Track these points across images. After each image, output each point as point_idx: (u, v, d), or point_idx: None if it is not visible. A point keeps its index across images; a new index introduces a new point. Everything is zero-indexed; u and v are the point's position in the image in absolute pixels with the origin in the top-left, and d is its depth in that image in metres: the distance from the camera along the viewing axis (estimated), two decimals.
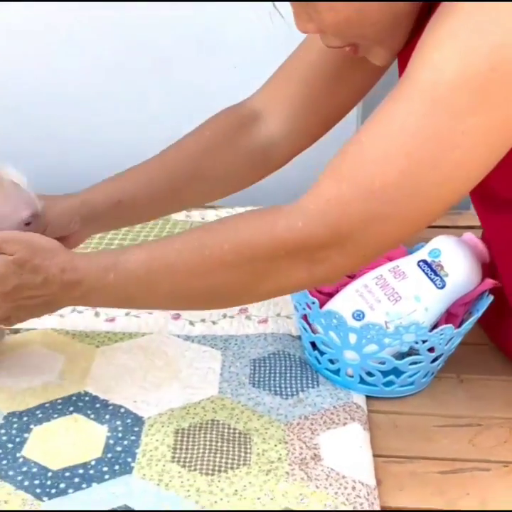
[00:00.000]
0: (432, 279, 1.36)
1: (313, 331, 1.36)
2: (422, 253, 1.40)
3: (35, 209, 1.24)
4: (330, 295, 1.42)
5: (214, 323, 1.58)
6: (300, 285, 1.16)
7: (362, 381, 1.34)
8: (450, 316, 1.39)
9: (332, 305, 1.37)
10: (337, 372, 1.36)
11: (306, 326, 1.37)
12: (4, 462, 1.18)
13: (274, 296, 1.20)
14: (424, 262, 1.38)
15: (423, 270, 1.37)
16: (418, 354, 1.29)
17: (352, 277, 1.45)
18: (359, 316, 1.33)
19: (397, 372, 1.31)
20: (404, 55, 1.15)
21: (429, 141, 1.00)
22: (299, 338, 1.50)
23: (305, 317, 1.37)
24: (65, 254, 1.16)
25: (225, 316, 1.60)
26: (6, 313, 1.18)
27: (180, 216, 2.08)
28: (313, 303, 1.31)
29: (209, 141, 1.42)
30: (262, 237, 1.07)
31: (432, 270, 1.37)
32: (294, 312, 1.53)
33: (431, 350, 1.29)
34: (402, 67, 1.13)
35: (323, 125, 1.42)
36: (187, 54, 2.16)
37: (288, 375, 1.40)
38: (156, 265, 1.11)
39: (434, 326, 1.32)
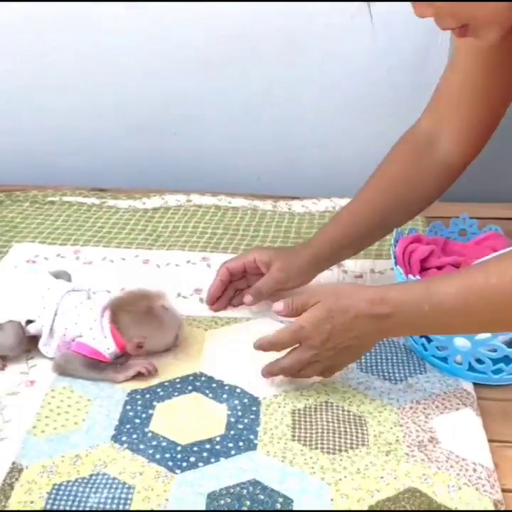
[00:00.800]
0: None
1: None
2: None
3: (179, 325, 1.45)
4: None
5: None
6: None
7: (470, 368, 1.37)
8: None
9: None
10: (444, 359, 1.39)
11: None
12: (134, 436, 1.24)
13: None
14: None
15: None
16: None
17: (458, 267, 1.48)
18: None
19: (506, 360, 1.34)
20: None
21: None
22: None
23: None
24: (368, 289, 1.27)
25: None
26: (325, 363, 1.29)
27: (267, 206, 2.13)
28: None
29: (401, 173, 1.55)
30: None
31: None
32: None
33: None
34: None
35: (488, 129, 1.52)
36: (274, 49, 2.21)
37: (395, 361, 1.43)
38: (474, 299, 1.16)
39: None
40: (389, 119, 2.22)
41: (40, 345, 1.42)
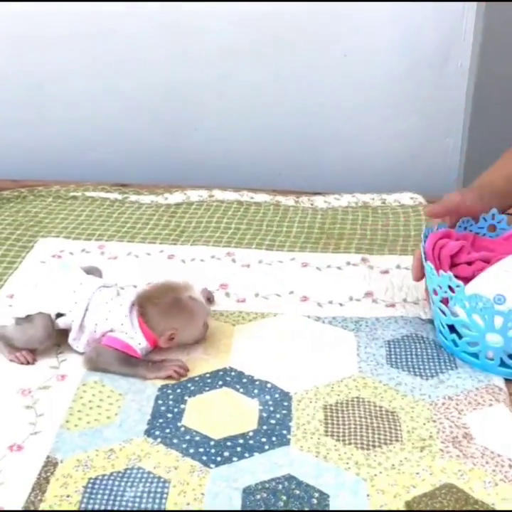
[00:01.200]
0: None
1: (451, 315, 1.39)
2: None
3: (207, 314, 1.46)
4: (466, 280, 1.45)
5: (341, 305, 1.62)
6: None
7: (502, 364, 1.36)
8: None
9: (472, 289, 1.40)
10: (475, 355, 1.39)
11: (445, 309, 1.40)
12: (167, 431, 1.24)
13: None
14: None
15: None
16: None
17: (488, 262, 1.48)
18: (500, 300, 1.35)
19: None
20: None
21: None
22: (430, 321, 1.53)
23: (445, 300, 1.40)
24: None
25: (351, 298, 1.64)
26: None
27: (290, 201, 2.13)
28: (458, 286, 1.34)
29: None
30: None
31: None
32: (422, 297, 1.58)
33: None
34: None
35: None
36: (296, 44, 2.20)
37: (425, 356, 1.43)
38: None
39: None
40: (412, 116, 2.23)
41: (70, 339, 1.42)
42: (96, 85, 2.28)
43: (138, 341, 1.38)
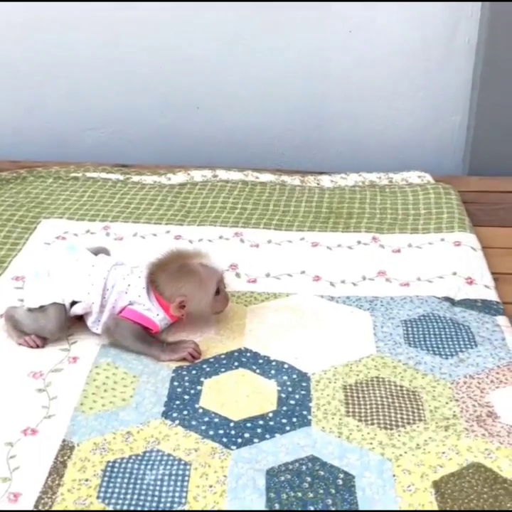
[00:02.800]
0: None
1: None
2: None
3: (220, 279, 1.40)
4: None
5: (354, 284, 1.59)
6: None
7: None
8: None
9: None
10: None
11: None
12: (185, 413, 1.21)
13: None
14: None
15: None
16: None
17: None
18: None
19: None
20: None
21: None
22: (446, 300, 1.51)
23: None
24: None
25: (364, 278, 1.61)
26: None
27: (295, 181, 2.09)
28: None
29: None
30: None
31: None
32: (437, 275, 1.55)
33: None
34: None
35: None
36: (301, 20, 2.16)
37: (443, 335, 1.40)
38: None
39: None
40: (418, 93, 2.19)
41: (90, 323, 1.38)
42: (95, 65, 2.23)
43: (155, 312, 1.36)
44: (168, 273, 1.36)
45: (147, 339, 1.34)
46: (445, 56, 2.12)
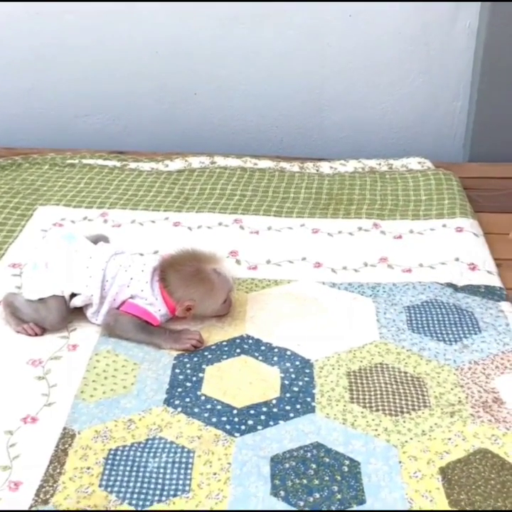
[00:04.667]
0: None
1: None
2: None
3: (230, 289, 1.38)
4: None
5: (356, 271, 1.58)
6: None
7: None
8: None
9: None
10: None
11: None
12: (187, 400, 1.19)
13: None
14: None
15: None
16: None
17: None
18: None
19: None
20: None
21: None
22: (449, 286, 1.49)
23: None
24: None
25: (366, 264, 1.59)
26: None
27: (294, 168, 2.07)
28: None
29: None
30: None
31: None
32: (439, 261, 1.54)
33: None
34: None
35: None
36: (299, 5, 2.13)
37: (446, 321, 1.39)
38: None
39: None
40: (419, 78, 2.16)
41: (89, 314, 1.36)
42: (91, 51, 2.19)
43: (158, 308, 1.33)
44: (182, 275, 1.34)
45: (148, 329, 1.32)
46: (446, 41, 2.10)
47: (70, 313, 1.36)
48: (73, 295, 1.34)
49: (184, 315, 1.35)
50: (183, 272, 1.34)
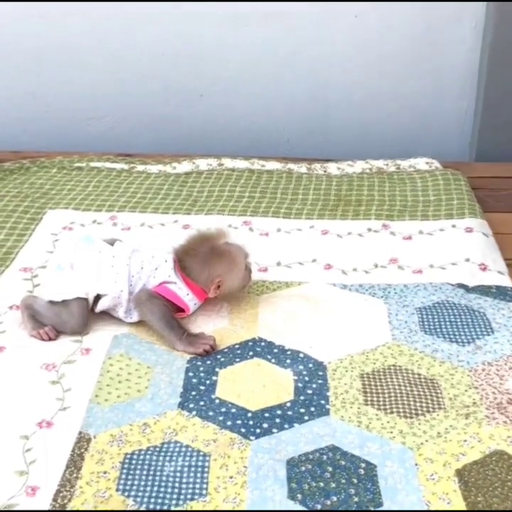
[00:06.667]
0: None
1: None
2: None
3: (246, 254, 1.44)
4: None
5: (367, 272, 1.58)
6: None
7: None
8: None
9: None
10: None
11: None
12: (201, 403, 1.19)
13: None
14: None
15: None
16: None
17: None
18: None
19: None
20: None
21: None
22: (460, 287, 1.49)
23: None
24: None
25: (376, 265, 1.59)
26: None
27: (302, 169, 2.07)
28: None
29: None
30: None
31: None
32: (449, 262, 1.54)
33: None
34: None
35: None
36: (305, 4, 2.13)
37: (459, 323, 1.39)
38: None
39: None
40: (425, 78, 2.17)
41: (121, 314, 1.36)
42: (97, 53, 2.20)
43: (185, 292, 1.36)
44: (200, 258, 1.37)
45: (171, 322, 1.33)
46: (451, 41, 2.10)
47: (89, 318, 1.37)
48: (98, 298, 1.35)
49: (215, 294, 1.38)
50: (199, 254, 1.37)
